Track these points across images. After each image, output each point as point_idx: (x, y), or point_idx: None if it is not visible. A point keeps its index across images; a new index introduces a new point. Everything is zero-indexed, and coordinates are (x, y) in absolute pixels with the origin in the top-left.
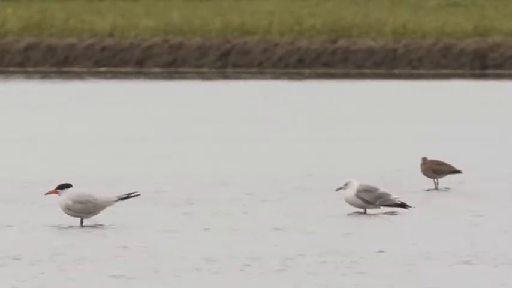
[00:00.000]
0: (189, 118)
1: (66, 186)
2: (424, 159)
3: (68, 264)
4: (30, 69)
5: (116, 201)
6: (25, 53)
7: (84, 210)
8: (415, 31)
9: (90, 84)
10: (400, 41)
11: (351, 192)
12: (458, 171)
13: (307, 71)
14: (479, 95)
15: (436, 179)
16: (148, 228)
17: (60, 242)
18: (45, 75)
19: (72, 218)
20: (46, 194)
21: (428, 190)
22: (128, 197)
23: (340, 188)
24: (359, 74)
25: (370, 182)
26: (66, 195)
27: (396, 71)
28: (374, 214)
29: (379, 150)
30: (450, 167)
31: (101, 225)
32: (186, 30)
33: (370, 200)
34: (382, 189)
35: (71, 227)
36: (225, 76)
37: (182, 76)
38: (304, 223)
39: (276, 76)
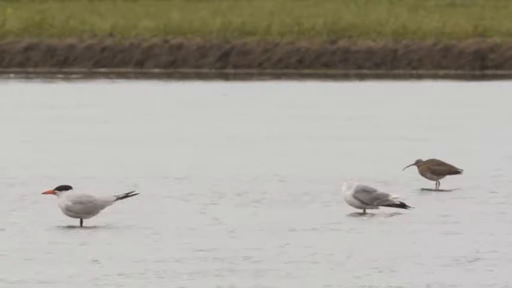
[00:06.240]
0: (189, 118)
1: (65, 188)
2: (418, 161)
3: (68, 264)
4: (30, 69)
5: (115, 200)
6: (25, 53)
7: (84, 210)
8: (415, 31)
9: (91, 85)
10: (400, 42)
11: (348, 192)
12: (459, 172)
13: (307, 71)
14: (479, 96)
15: (436, 181)
16: (150, 228)
17: (60, 242)
18: (45, 76)
19: (71, 218)
20: (43, 193)
21: (427, 190)
22: (126, 196)
23: (346, 185)
24: (359, 74)
25: (370, 183)
26: (65, 197)
27: (396, 71)
28: (373, 214)
29: (378, 150)
30: (450, 167)
31: (100, 225)
32: (186, 30)
33: (367, 200)
34: (381, 190)
35: (71, 226)
36: (225, 76)
37: (182, 76)
38: (303, 223)
39: (276, 76)
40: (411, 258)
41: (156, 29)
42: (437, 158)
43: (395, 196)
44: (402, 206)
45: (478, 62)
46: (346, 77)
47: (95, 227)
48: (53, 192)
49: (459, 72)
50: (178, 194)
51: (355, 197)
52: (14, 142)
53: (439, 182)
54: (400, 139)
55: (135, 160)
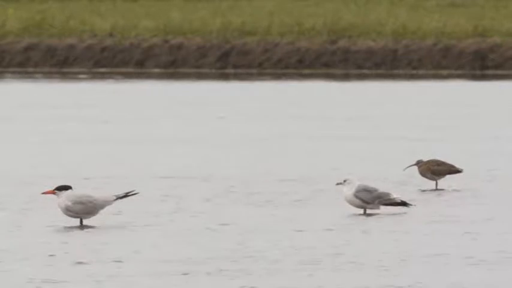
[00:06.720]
0: (189, 118)
1: (65, 188)
2: (419, 162)
3: (68, 265)
4: (30, 69)
5: (115, 200)
6: (25, 53)
7: (84, 210)
8: (415, 31)
9: (91, 85)
10: (400, 42)
11: (350, 191)
12: (459, 171)
13: (307, 71)
14: (479, 96)
15: (435, 181)
16: (152, 228)
17: (60, 242)
18: (45, 76)
19: (70, 218)
20: (43, 193)
21: (427, 190)
22: (126, 195)
23: (340, 184)
24: (359, 74)
25: (371, 183)
26: (65, 197)
27: (396, 71)
28: (374, 214)
29: (378, 150)
30: (450, 166)
31: (101, 225)
32: (186, 30)
33: (368, 200)
34: (382, 189)
35: (70, 227)
36: (225, 76)
37: (182, 76)
38: (304, 223)
39: (276, 76)
40: (412, 258)
41: (156, 29)
42: (438, 158)
43: (396, 196)
44: (403, 204)
45: (478, 62)
46: (346, 77)
47: (97, 227)
48: (53, 192)
49: (459, 72)
50: (178, 194)
51: (357, 196)
52: (13, 142)
53: (437, 182)
54: (400, 139)
55: (135, 160)
